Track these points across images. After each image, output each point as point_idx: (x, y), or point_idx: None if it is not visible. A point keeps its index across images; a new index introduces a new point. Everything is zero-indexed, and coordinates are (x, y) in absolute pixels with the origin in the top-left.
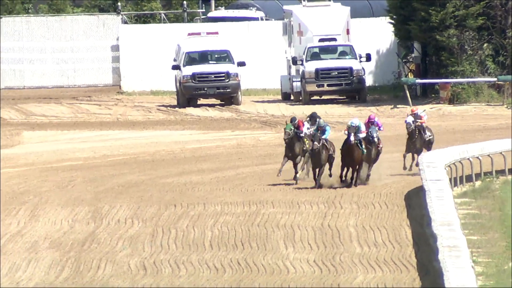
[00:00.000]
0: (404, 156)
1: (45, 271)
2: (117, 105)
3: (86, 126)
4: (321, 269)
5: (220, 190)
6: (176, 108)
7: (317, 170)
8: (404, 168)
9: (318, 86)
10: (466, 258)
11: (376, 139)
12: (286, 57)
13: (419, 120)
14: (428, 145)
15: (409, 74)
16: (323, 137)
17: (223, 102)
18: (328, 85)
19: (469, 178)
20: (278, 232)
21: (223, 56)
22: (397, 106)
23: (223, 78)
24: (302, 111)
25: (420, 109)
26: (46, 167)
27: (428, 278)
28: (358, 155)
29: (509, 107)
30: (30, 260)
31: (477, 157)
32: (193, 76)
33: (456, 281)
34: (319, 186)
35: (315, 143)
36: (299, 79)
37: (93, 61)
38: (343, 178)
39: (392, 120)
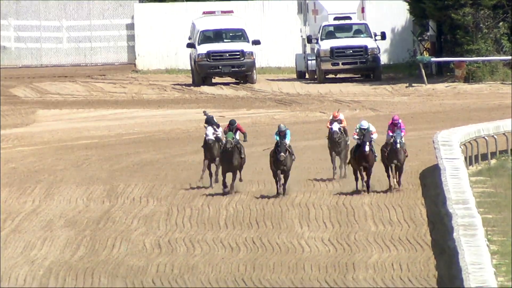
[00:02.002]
0: (333, 161)
1: (60, 250)
2: (132, 83)
3: (101, 104)
4: (336, 248)
5: None
6: (191, 87)
7: (282, 176)
8: (335, 168)
9: (333, 64)
10: (481, 236)
11: (398, 145)
12: (301, 36)
13: (341, 125)
14: (346, 145)
15: (424, 52)
16: (286, 141)
17: (238, 81)
18: (343, 64)
19: (484, 157)
20: (293, 210)
21: (238, 35)
22: (412, 84)
23: (238, 56)
24: (317, 89)
25: (341, 114)
26: (61, 145)
27: (443, 257)
28: (372, 160)
29: None
30: (46, 238)
31: (492, 136)
32: (208, 54)
33: (471, 259)
34: (283, 193)
35: (282, 154)
36: (314, 58)
37: (109, 40)
38: (358, 179)
39: (407, 99)
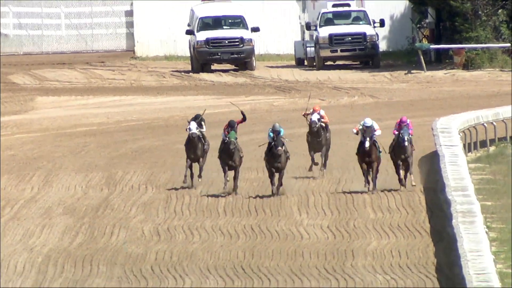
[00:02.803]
0: (312, 156)
1: (59, 237)
2: (131, 70)
3: (100, 91)
4: (334, 235)
5: None
6: (190, 74)
7: (276, 174)
8: (310, 168)
9: (332, 51)
10: (480, 223)
11: (406, 143)
12: (300, 23)
13: (323, 120)
14: (327, 141)
15: (423, 39)
16: (281, 135)
17: (237, 68)
18: (341, 51)
19: (483, 144)
20: (291, 198)
21: (237, 22)
22: (411, 71)
23: (237, 43)
24: (316, 76)
25: (322, 110)
26: (60, 132)
27: (442, 243)
28: (375, 156)
29: None
30: (44, 225)
31: (491, 123)
32: (207, 41)
33: (470, 246)
34: (277, 193)
35: (279, 148)
36: (313, 45)
37: (108, 27)
38: (368, 180)
39: (406, 86)
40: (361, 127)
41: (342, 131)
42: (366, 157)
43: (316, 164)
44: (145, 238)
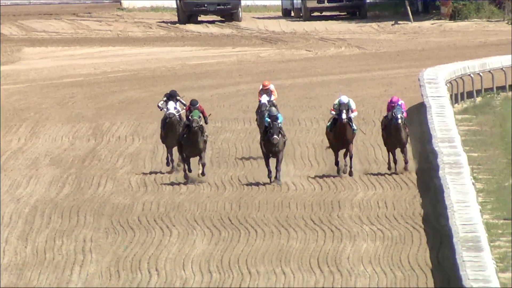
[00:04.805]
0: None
1: (46, 188)
2: (118, 21)
3: (87, 42)
4: (321, 186)
5: (221, 106)
6: (177, 25)
7: (273, 160)
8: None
9: (319, 2)
10: (466, 175)
11: (400, 120)
12: None
13: (272, 97)
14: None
15: None
16: (278, 121)
17: (223, 19)
18: (328, 1)
19: (470, 95)
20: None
21: None
22: (398, 22)
23: None
24: (302, 27)
25: (271, 84)
26: (47, 83)
27: (429, 194)
28: (350, 134)
29: (509, 22)
30: (31, 176)
31: (478, 73)
32: None
33: (456, 197)
34: (275, 181)
35: (275, 136)
36: None
37: None
38: (338, 162)
39: (392, 37)
40: (336, 105)
41: (330, 82)
42: (341, 135)
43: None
44: (132, 189)
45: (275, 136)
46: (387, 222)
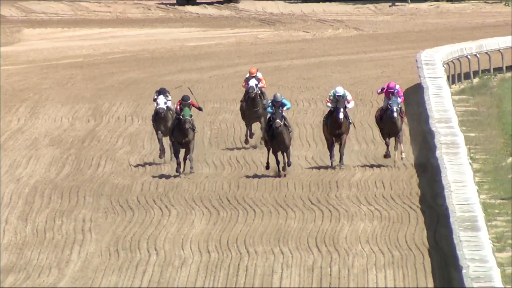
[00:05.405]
0: (249, 128)
1: (46, 168)
2: (117, 2)
3: (86, 24)
4: (319, 167)
5: (219, 87)
6: (175, 6)
7: (279, 153)
8: (246, 141)
9: None
10: (463, 155)
11: (396, 114)
12: None
13: (260, 84)
14: (265, 109)
15: None
16: (285, 108)
17: (221, 0)
18: None
19: (467, 76)
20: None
21: None
22: (396, 3)
23: None
24: (300, 9)
25: (259, 72)
26: (46, 64)
27: (426, 174)
28: (346, 127)
29: (507, 4)
30: (31, 157)
31: (475, 55)
32: None
33: (453, 177)
34: (280, 172)
35: (277, 120)
36: None
37: None
38: (333, 155)
39: (390, 18)
40: (332, 96)
41: (327, 63)
42: (336, 129)
43: (252, 136)
44: (131, 170)
45: (277, 120)
46: (384, 202)
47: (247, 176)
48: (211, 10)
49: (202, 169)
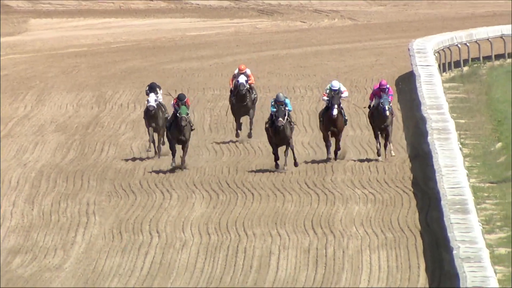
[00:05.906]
0: (238, 122)
1: (51, 153)
2: None
3: (90, 14)
4: (315, 151)
5: (219, 76)
6: None
7: (281, 153)
8: (237, 134)
9: None
10: (454, 140)
11: (387, 112)
12: None
13: (249, 81)
14: (254, 103)
15: None
16: (287, 108)
17: None
18: None
19: (457, 64)
20: None
21: None
22: None
23: None
24: None
25: (248, 69)
26: (52, 53)
27: (418, 159)
28: (341, 124)
29: None
30: (37, 142)
31: (465, 44)
32: None
33: (444, 162)
34: (283, 166)
35: (280, 119)
36: None
37: None
38: (330, 152)
39: (383, 9)
40: (328, 90)
41: (323, 52)
42: (332, 126)
43: (240, 128)
44: (133, 155)
45: (280, 119)
46: (378, 186)
47: (246, 161)
48: (211, 1)
49: (202, 154)
